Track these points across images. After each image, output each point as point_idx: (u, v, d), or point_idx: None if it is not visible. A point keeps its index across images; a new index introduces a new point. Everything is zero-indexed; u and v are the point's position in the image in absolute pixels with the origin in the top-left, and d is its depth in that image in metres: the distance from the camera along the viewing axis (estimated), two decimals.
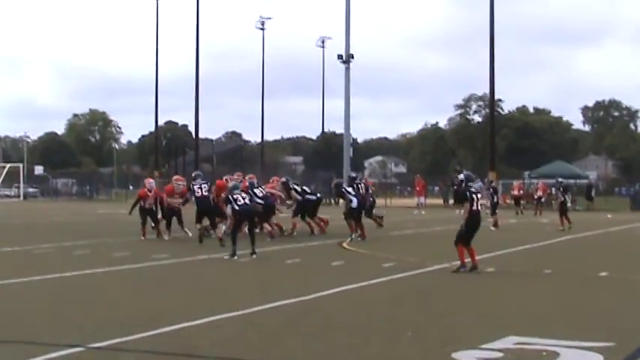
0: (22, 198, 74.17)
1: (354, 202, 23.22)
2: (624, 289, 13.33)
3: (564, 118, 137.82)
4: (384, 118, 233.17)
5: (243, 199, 17.72)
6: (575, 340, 8.47)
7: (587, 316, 10.59)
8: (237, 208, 17.36)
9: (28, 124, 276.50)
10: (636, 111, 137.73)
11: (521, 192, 47.22)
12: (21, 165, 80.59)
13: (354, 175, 27.12)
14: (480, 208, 15.31)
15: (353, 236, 22.43)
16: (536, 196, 45.44)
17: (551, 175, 65.63)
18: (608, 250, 16.71)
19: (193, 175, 22.95)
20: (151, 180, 25.02)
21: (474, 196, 15.13)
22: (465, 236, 15.03)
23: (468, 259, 15.00)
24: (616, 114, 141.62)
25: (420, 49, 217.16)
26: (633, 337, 8.86)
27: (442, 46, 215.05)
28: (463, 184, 15.36)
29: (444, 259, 16.69)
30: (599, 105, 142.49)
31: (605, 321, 10.10)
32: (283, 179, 25.79)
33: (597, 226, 31.13)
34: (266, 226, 22.70)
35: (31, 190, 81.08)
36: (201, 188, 21.52)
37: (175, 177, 25.44)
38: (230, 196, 17.67)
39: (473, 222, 15.09)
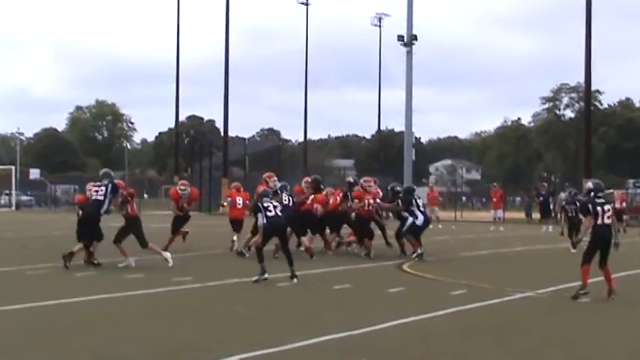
0: (14, 208, 74.55)
1: (420, 220, 23.27)
2: None
3: None
4: (454, 113, 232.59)
5: (275, 208, 17.83)
6: None
7: None
8: (265, 221, 17.53)
9: (21, 119, 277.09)
10: None
11: (624, 204, 46.64)
12: (13, 168, 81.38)
13: (399, 188, 25.83)
14: (606, 221, 15.76)
15: (419, 251, 22.62)
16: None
17: None
18: None
19: (280, 185, 23.69)
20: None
21: (599, 208, 15.69)
22: (591, 254, 15.64)
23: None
24: None
25: (499, 29, 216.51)
26: None
27: (526, 25, 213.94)
28: (591, 195, 16.06)
29: (527, 286, 16.57)
30: None
31: None
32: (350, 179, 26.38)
33: None
34: (304, 240, 22.94)
35: (25, 198, 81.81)
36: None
37: (182, 181, 27.06)
38: (260, 205, 17.80)
39: (597, 238, 15.65)
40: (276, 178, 24.36)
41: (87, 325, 12.12)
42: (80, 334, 11.29)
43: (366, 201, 23.80)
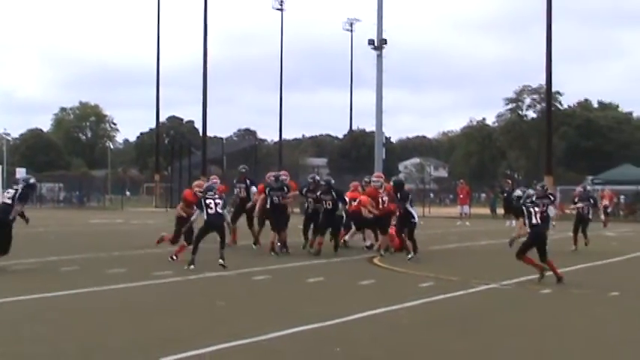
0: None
1: (416, 217, 22.42)
2: None
3: (635, 114, 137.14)
4: (421, 113, 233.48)
5: (216, 205, 18.35)
6: None
7: None
8: (205, 217, 18.28)
9: (7, 120, 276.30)
10: None
11: (605, 201, 46.39)
12: (0, 167, 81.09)
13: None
14: (539, 221, 16.77)
15: (411, 256, 21.10)
16: (601, 206, 45.20)
17: (618, 180, 65.40)
18: None
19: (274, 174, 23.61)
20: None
21: (531, 209, 16.67)
22: (526, 250, 16.60)
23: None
24: None
25: (465, 34, 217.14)
26: None
27: (491, 29, 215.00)
28: (520, 201, 16.94)
29: (492, 279, 16.62)
30: None
31: None
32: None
33: None
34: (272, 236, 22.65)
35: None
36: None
37: (198, 182, 23.05)
38: (202, 201, 18.50)
39: (533, 237, 16.56)
40: (210, 183, 21.32)
41: (72, 318, 12.07)
42: (65, 327, 11.23)
43: (380, 199, 22.91)
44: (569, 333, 11.46)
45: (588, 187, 30.15)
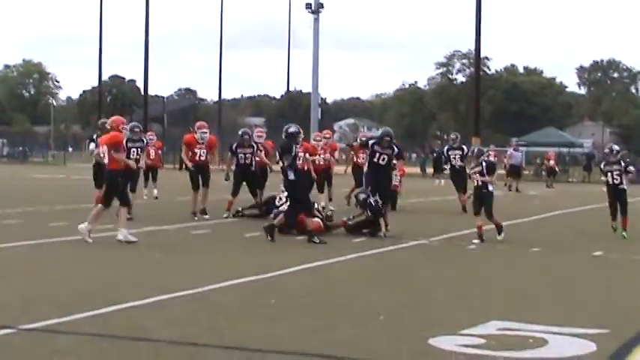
0: None
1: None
2: (620, 270, 13.52)
3: (557, 80, 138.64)
4: (356, 75, 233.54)
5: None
6: (565, 326, 8.56)
7: (579, 299, 10.71)
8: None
9: None
10: (638, 72, 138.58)
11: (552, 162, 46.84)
12: None
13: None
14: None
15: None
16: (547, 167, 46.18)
17: (541, 142, 66.23)
18: (603, 228, 16.93)
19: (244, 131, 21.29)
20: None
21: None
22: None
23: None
24: (615, 75, 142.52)
25: None
26: (629, 323, 8.97)
27: None
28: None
29: (421, 235, 16.75)
30: (596, 65, 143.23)
31: (598, 305, 10.23)
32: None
33: (593, 200, 31.36)
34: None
35: None
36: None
37: (200, 122, 21.32)
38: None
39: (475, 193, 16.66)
40: (206, 130, 20.51)
41: (13, 270, 11.93)
42: (6, 278, 11.08)
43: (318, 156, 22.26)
44: (493, 284, 11.62)
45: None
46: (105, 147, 15.48)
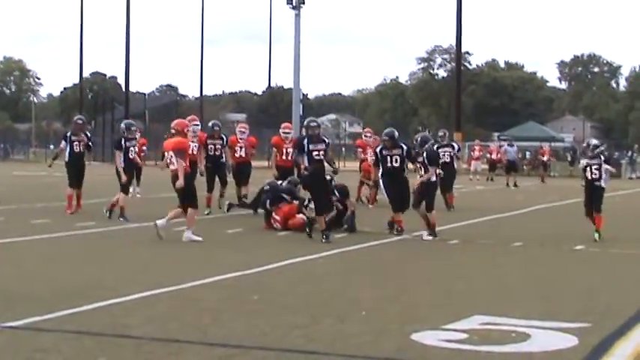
0: None
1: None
2: (601, 264, 13.58)
3: (538, 74, 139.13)
4: (338, 71, 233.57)
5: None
6: (547, 321, 8.60)
7: (561, 293, 10.75)
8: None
9: None
10: (618, 67, 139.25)
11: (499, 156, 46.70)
12: None
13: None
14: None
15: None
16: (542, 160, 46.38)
17: (523, 137, 66.41)
18: (583, 222, 16.97)
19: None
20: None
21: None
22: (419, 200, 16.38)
23: None
24: (596, 70, 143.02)
25: None
26: (610, 317, 9.01)
27: None
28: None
29: (403, 230, 16.76)
30: (577, 60, 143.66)
31: (580, 299, 10.27)
32: None
33: (575, 194, 31.49)
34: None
35: None
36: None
37: (242, 124, 22.42)
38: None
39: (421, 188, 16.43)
40: (197, 122, 20.62)
41: None
42: None
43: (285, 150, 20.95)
44: (475, 279, 11.65)
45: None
46: (171, 152, 15.35)
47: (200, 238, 15.04)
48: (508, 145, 41.99)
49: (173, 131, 15.75)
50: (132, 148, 18.75)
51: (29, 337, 7.70)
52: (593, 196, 16.59)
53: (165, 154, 15.57)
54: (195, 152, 19.44)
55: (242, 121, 60.36)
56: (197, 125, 20.25)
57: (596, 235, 16.18)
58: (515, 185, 37.64)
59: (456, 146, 24.10)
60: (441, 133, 24.59)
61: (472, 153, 48.31)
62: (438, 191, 17.87)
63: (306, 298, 9.82)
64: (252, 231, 16.96)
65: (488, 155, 45.74)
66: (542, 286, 11.29)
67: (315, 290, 10.42)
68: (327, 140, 16.39)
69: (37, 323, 8.14)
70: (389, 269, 12.63)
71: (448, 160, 23.05)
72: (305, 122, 16.37)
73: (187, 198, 15.34)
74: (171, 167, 15.35)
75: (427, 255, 14.27)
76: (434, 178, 16.41)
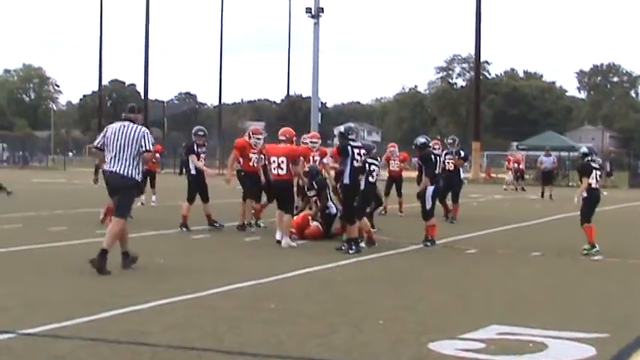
0: None
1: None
2: (619, 275, 13.50)
3: (557, 84, 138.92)
4: (356, 79, 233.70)
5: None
6: (565, 331, 8.57)
7: (578, 303, 10.72)
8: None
9: None
10: (638, 77, 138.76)
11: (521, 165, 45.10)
12: None
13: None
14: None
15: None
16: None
17: (542, 147, 66.14)
18: (603, 232, 16.89)
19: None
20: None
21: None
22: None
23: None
24: (615, 80, 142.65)
25: (400, 2, 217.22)
26: (628, 328, 8.98)
27: None
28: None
29: (420, 239, 16.75)
30: (596, 69, 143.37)
31: (598, 309, 10.23)
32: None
33: None
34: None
35: None
36: None
37: (255, 128, 20.33)
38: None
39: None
40: (260, 135, 18.79)
41: (15, 274, 11.92)
42: (9, 282, 11.09)
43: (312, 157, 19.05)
44: (493, 288, 11.61)
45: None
46: (284, 158, 15.92)
47: (295, 244, 15.75)
48: (545, 155, 38.90)
49: (283, 138, 16.48)
50: (202, 155, 18.57)
51: (47, 344, 7.72)
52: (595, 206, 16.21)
53: (277, 159, 15.91)
54: (255, 164, 18.33)
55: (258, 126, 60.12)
56: (259, 139, 18.48)
57: (586, 248, 15.76)
58: (551, 197, 35.64)
59: (462, 153, 23.65)
60: (450, 140, 24.23)
61: (507, 163, 47.37)
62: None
63: (322, 306, 9.82)
64: (269, 239, 16.95)
65: (515, 165, 44.69)
66: (560, 296, 11.26)
67: (332, 299, 10.41)
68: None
69: (54, 330, 8.17)
70: (406, 278, 12.61)
71: (452, 167, 22.79)
72: (343, 130, 15.44)
73: (287, 204, 15.97)
74: (280, 172, 15.91)
75: (444, 264, 14.24)
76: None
